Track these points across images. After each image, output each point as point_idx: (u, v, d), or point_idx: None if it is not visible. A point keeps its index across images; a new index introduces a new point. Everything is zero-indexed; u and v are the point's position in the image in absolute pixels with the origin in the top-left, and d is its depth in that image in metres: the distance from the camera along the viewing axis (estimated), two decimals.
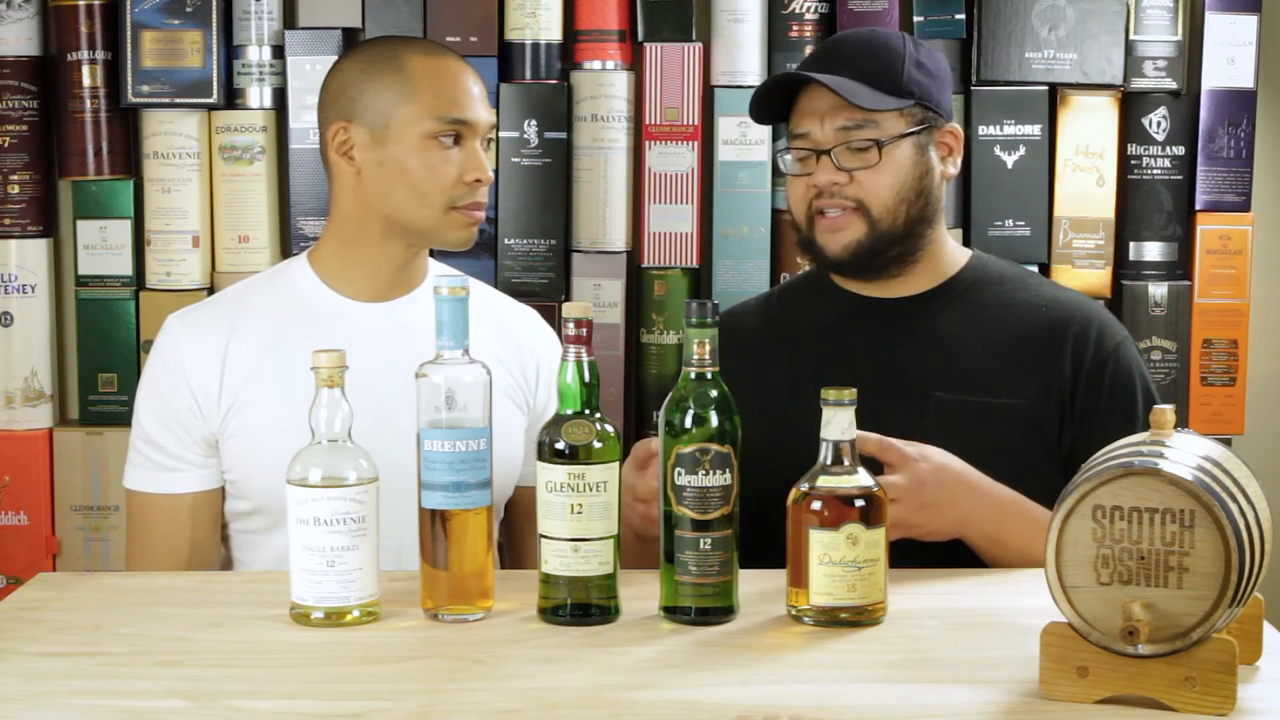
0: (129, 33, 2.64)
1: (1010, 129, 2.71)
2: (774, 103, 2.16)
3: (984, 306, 2.15)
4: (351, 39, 2.69)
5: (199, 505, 2.10)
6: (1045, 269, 2.72)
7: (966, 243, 2.69)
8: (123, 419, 2.55)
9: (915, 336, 2.13)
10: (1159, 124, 2.72)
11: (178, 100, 2.66)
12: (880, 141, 2.07)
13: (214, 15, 2.65)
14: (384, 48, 2.13)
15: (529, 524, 2.17)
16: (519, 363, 2.18)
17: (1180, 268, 2.75)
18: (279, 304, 2.13)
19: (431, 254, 2.24)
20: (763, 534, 1.86)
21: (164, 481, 2.10)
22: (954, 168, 2.16)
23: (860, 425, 1.71)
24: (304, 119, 2.65)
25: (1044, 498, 2.05)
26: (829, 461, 1.69)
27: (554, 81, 2.69)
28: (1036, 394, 2.09)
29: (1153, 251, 2.75)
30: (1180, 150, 2.73)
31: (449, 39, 2.63)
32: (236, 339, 2.09)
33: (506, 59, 2.68)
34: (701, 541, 1.66)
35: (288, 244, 2.72)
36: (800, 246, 2.19)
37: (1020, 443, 2.08)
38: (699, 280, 2.74)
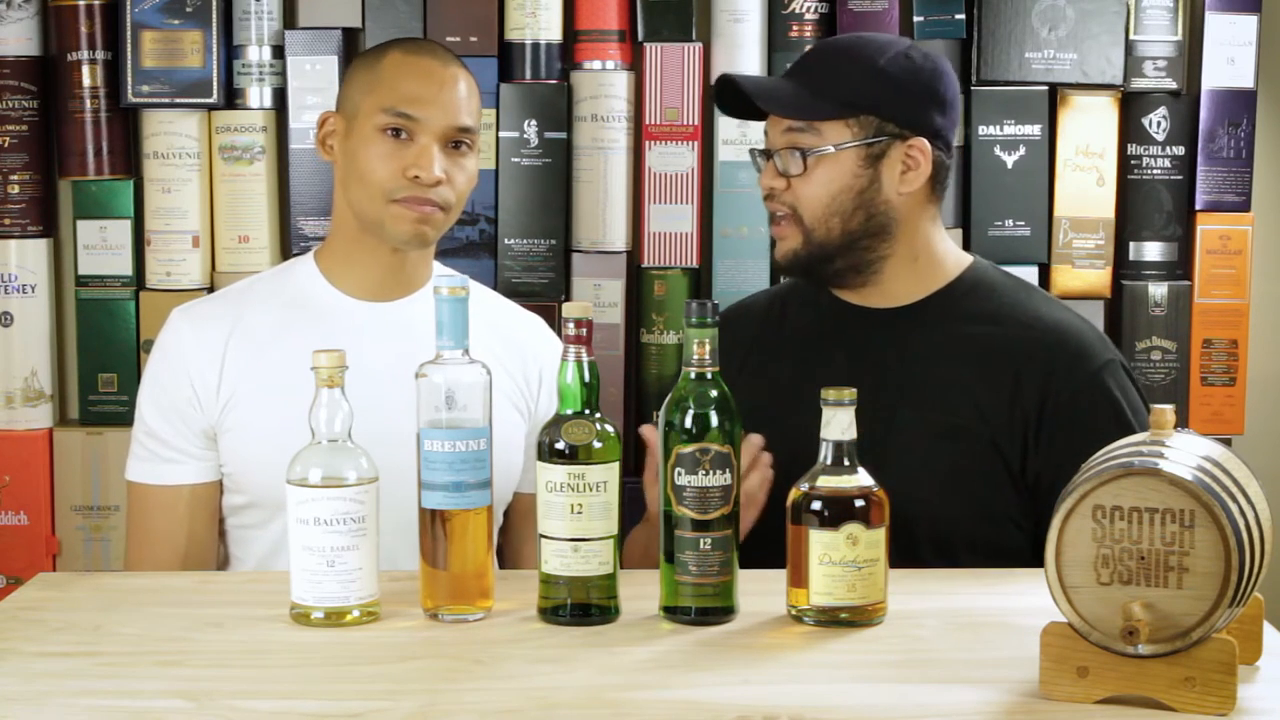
0: (129, 33, 2.64)
1: (1010, 129, 2.71)
2: (743, 102, 2.12)
3: (970, 321, 2.09)
4: (351, 39, 2.69)
5: (197, 497, 2.11)
6: (1045, 269, 2.72)
7: (967, 244, 2.69)
8: (123, 419, 2.56)
9: (892, 350, 2.08)
10: (1159, 124, 2.72)
11: (178, 100, 2.66)
12: (805, 151, 2.04)
13: (214, 15, 2.65)
14: (383, 45, 2.16)
15: (527, 530, 2.17)
16: (521, 368, 2.18)
17: (1180, 268, 2.75)
18: (282, 300, 2.14)
19: (437, 255, 2.24)
20: (754, 535, 1.86)
21: (163, 473, 2.11)
22: (913, 184, 2.06)
23: None
24: (304, 119, 2.65)
25: (1006, 523, 2.03)
26: (829, 461, 1.69)
27: (554, 81, 2.69)
28: (1002, 418, 2.03)
29: (1153, 251, 2.75)
30: (1180, 150, 2.73)
31: (449, 39, 2.63)
32: (238, 333, 2.10)
33: (506, 59, 2.68)
34: (701, 541, 1.66)
35: (288, 244, 2.72)
36: None
37: (983, 465, 2.03)
38: (699, 280, 2.74)
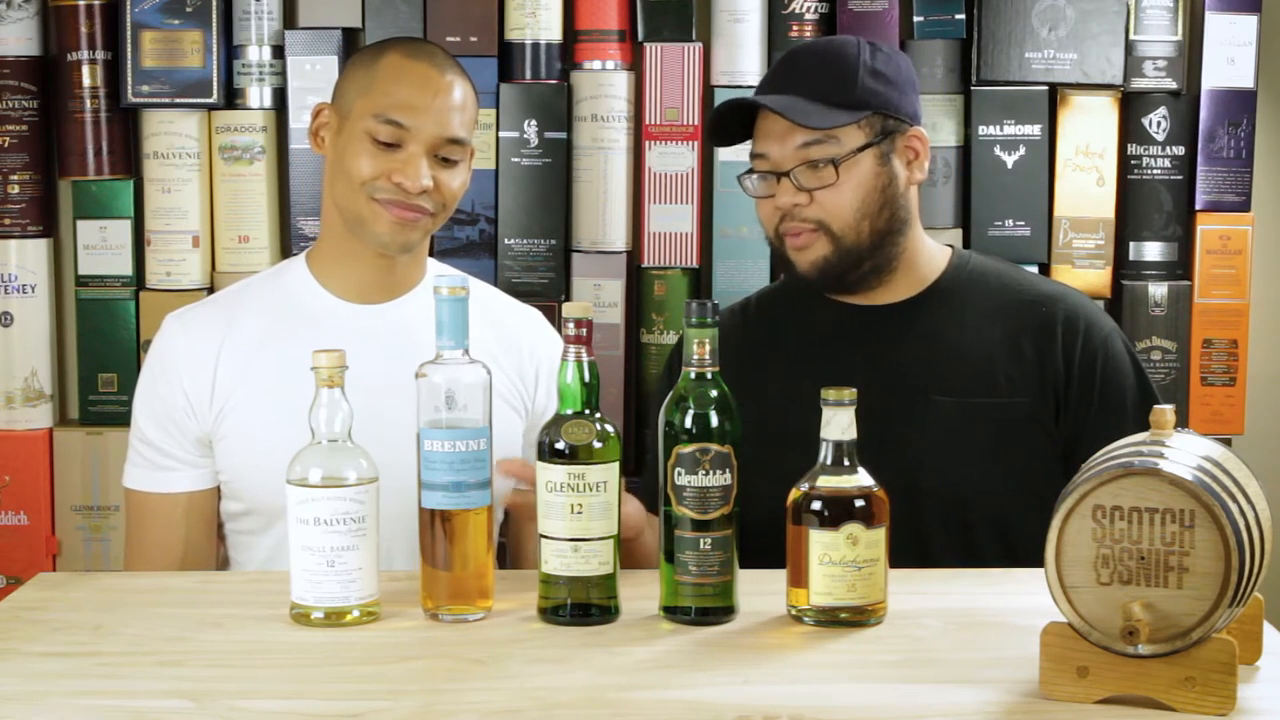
0: (129, 33, 2.64)
1: (1010, 129, 2.71)
2: (731, 126, 2.14)
3: (972, 306, 2.14)
4: (351, 39, 2.69)
5: (194, 505, 2.10)
6: (1045, 269, 2.72)
7: (966, 243, 2.70)
8: (123, 419, 2.55)
9: (909, 341, 2.12)
10: (1159, 124, 2.72)
11: (178, 100, 2.66)
12: (836, 160, 2.05)
13: (214, 15, 2.65)
14: (382, 43, 2.15)
15: (529, 527, 2.17)
16: (517, 366, 2.17)
17: (1180, 268, 2.75)
18: (274, 303, 2.13)
19: (431, 254, 2.23)
20: (756, 544, 1.86)
21: (159, 480, 2.10)
22: (921, 173, 2.13)
23: (860, 433, 1.70)
24: (304, 119, 2.64)
25: (1050, 494, 2.05)
26: (829, 461, 1.69)
27: (554, 81, 2.69)
28: (1033, 390, 2.09)
29: (1153, 251, 2.75)
30: (1180, 150, 2.73)
31: (449, 39, 2.62)
32: (230, 339, 2.09)
33: (506, 59, 2.68)
34: (701, 541, 1.66)
35: (288, 244, 2.72)
36: (780, 263, 2.19)
37: (1022, 441, 2.08)
38: (699, 280, 2.74)
